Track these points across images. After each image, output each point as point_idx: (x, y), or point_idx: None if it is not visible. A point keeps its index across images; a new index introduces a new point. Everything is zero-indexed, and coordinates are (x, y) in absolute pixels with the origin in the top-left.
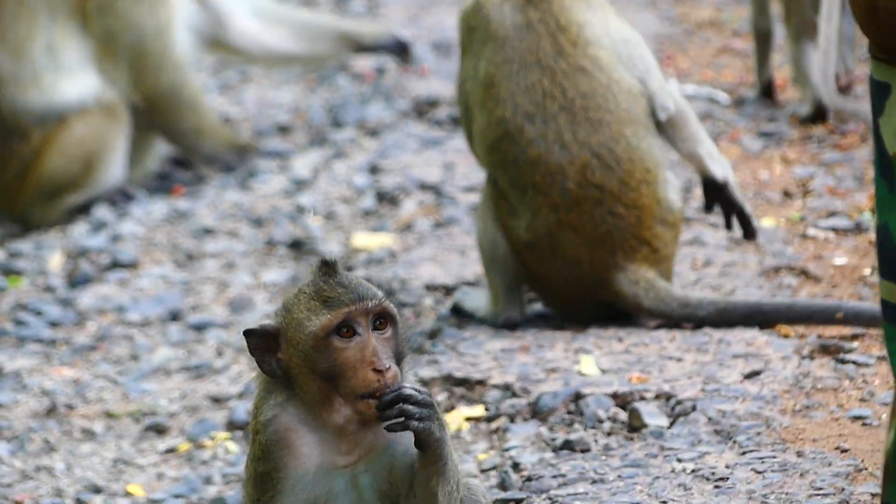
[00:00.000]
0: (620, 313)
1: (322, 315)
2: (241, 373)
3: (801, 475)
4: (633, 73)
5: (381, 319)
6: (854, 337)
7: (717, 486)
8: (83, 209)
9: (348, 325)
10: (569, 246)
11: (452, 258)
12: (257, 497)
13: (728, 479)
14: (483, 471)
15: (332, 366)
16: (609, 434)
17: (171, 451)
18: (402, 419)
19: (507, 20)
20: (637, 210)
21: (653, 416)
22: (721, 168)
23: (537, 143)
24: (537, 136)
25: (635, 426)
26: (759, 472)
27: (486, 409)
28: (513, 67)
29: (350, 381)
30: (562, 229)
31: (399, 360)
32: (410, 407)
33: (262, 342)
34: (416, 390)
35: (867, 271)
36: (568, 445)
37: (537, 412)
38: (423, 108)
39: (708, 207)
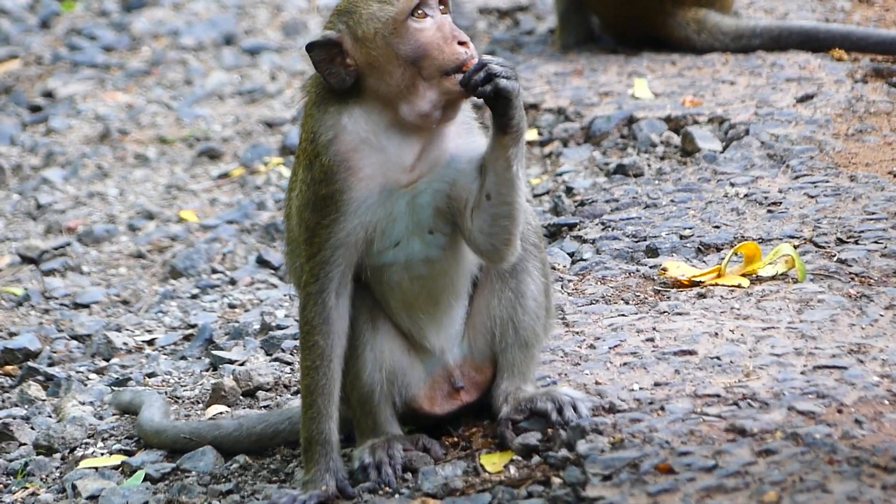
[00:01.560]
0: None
1: (397, 0)
2: (295, 97)
3: (854, 200)
4: None
5: (445, 3)
6: None
7: (769, 211)
8: None
9: (421, 7)
10: None
11: None
12: (317, 221)
13: (781, 203)
14: (536, 195)
15: (417, 46)
16: (662, 158)
17: (224, 176)
18: (489, 84)
19: None
20: None
21: (706, 139)
22: None
23: None
24: None
25: (688, 150)
26: (812, 197)
27: (540, 133)
28: None
29: (437, 59)
30: None
31: None
32: (496, 66)
33: (326, 54)
34: (496, 60)
35: None
36: (621, 170)
37: (590, 136)
38: None
39: None
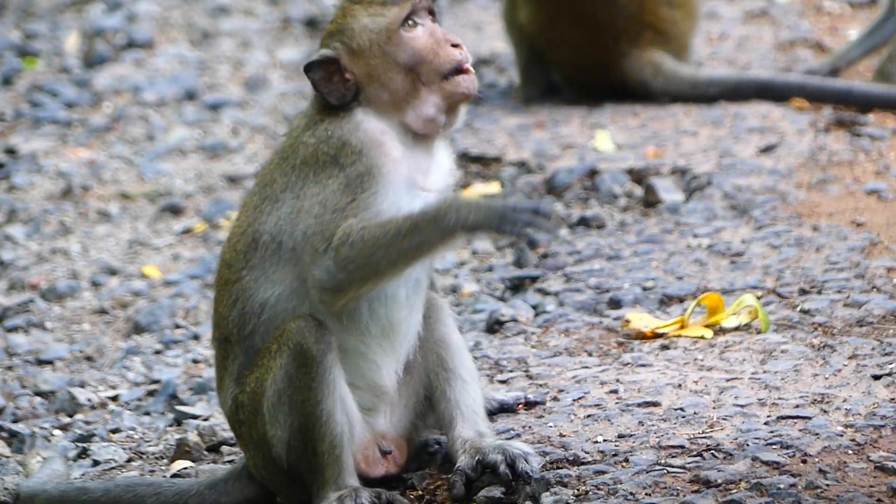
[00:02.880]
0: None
1: (388, 11)
2: (257, 152)
3: (817, 250)
4: None
5: (432, 13)
6: (869, 110)
7: (732, 262)
8: None
9: (412, 17)
10: (570, 35)
11: (468, 34)
12: (351, 198)
13: (743, 253)
14: (499, 248)
15: (413, 53)
16: (625, 210)
17: (186, 231)
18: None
19: None
20: None
21: (668, 191)
22: None
23: None
24: None
25: (651, 202)
26: (775, 247)
27: (502, 186)
28: None
29: (434, 62)
30: (562, 18)
31: None
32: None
33: (325, 72)
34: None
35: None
36: (583, 222)
37: (553, 188)
38: None
39: None
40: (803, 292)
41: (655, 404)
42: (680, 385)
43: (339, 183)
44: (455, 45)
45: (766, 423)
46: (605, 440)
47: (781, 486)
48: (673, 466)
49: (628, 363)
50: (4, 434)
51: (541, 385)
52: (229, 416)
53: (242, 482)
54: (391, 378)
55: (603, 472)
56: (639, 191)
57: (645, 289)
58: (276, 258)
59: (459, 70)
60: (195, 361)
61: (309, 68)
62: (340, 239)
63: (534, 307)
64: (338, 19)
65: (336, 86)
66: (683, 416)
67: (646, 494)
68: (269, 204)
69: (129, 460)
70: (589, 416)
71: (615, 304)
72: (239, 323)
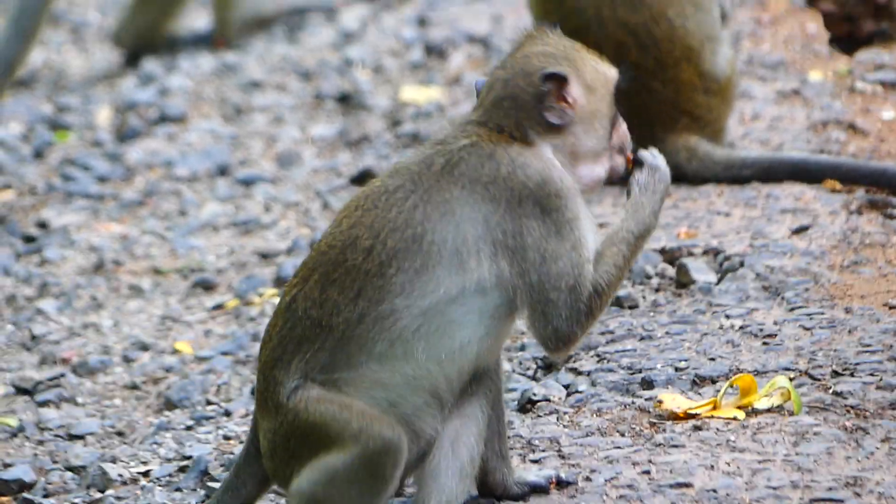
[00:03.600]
0: None
1: (609, 66)
2: (289, 228)
3: (850, 332)
4: None
5: None
6: None
7: (765, 343)
8: (132, 61)
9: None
10: None
11: None
12: (571, 245)
13: (776, 335)
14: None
15: (616, 113)
16: (657, 290)
17: (218, 307)
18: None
19: None
20: (675, 85)
21: (701, 271)
22: None
23: (579, 13)
24: (580, 7)
25: (683, 282)
26: (808, 329)
27: None
28: None
29: (622, 133)
30: None
31: None
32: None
33: (555, 88)
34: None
35: None
36: (616, 302)
37: None
38: None
39: None
40: (836, 374)
41: (688, 485)
42: (712, 466)
43: (550, 227)
44: None
45: None
46: None
47: None
48: None
49: (660, 444)
50: None
51: (573, 465)
52: (284, 405)
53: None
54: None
55: None
56: (671, 271)
57: (677, 369)
58: (437, 271)
59: (623, 151)
60: (226, 438)
61: (550, 77)
62: (591, 291)
63: (566, 387)
64: (559, 49)
65: (557, 106)
66: (716, 498)
67: None
68: (434, 210)
69: None
70: (621, 496)
71: (647, 384)
72: (350, 317)
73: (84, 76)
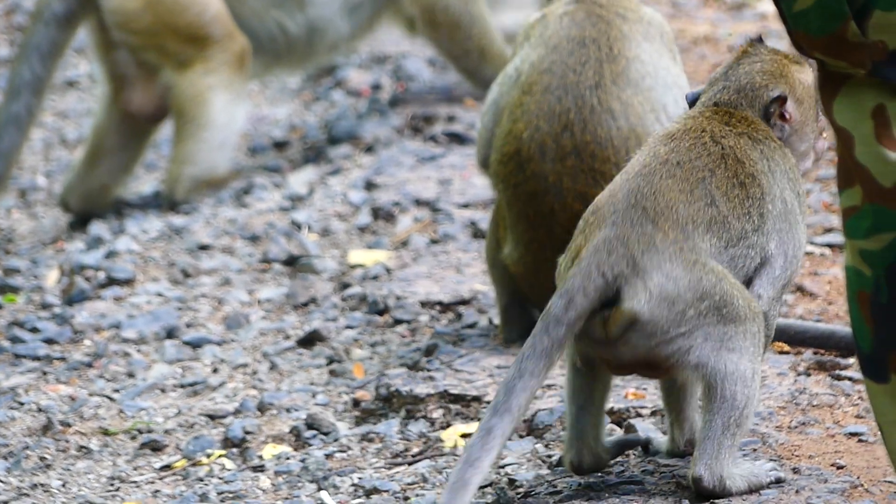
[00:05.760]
0: None
1: (810, 72)
2: (237, 390)
3: (797, 492)
4: (660, 124)
5: None
6: (850, 354)
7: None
8: (79, 224)
9: None
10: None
11: (448, 275)
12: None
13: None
14: (480, 487)
15: (818, 113)
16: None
17: (166, 468)
18: None
19: (564, 31)
20: None
21: (649, 432)
22: None
23: (538, 179)
24: (540, 173)
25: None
26: (754, 491)
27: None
28: (552, 82)
29: (820, 123)
30: (547, 263)
31: None
32: None
33: (777, 107)
34: None
35: None
36: (562, 462)
37: (533, 429)
38: (418, 125)
39: None
40: None
41: None
42: None
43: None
44: None
45: None
46: None
47: None
48: None
49: None
50: None
51: None
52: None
53: None
54: None
55: None
56: (619, 432)
57: None
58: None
59: (822, 133)
60: None
61: (781, 98)
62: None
63: None
64: (774, 67)
65: (776, 121)
66: None
67: None
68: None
69: None
70: None
71: None
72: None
73: (32, 239)
